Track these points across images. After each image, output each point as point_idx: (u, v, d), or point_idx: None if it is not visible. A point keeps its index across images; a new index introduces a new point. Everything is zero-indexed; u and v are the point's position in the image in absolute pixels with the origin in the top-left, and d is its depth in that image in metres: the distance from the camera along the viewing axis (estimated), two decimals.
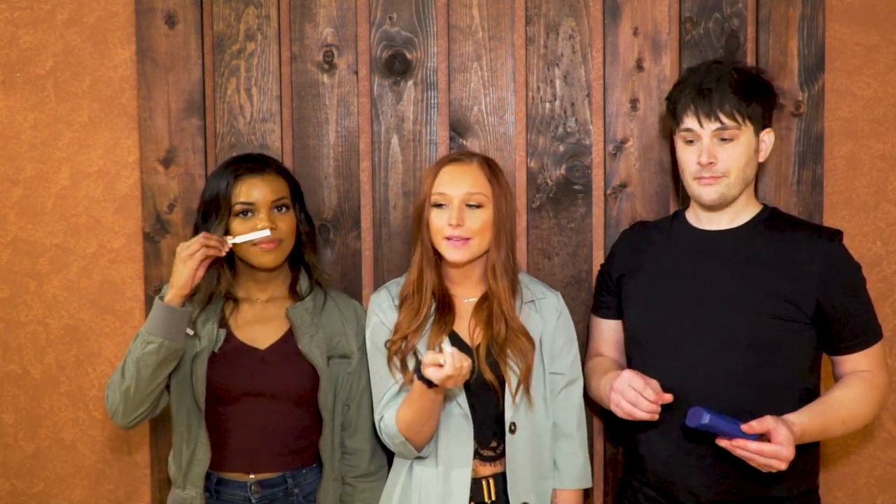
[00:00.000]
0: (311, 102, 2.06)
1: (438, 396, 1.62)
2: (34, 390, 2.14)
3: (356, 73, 2.06)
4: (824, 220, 2.00)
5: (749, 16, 2.01)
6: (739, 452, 1.52)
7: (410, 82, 2.06)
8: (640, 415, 1.58)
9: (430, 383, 1.57)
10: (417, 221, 1.75)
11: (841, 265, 1.66)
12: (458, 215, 1.67)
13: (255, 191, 1.74)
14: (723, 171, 1.65)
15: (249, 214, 1.74)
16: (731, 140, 1.64)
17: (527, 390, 1.72)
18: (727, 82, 1.64)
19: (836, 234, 1.68)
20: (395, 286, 1.81)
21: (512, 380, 1.70)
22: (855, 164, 2.03)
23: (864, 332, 1.68)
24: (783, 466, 1.51)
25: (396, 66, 2.05)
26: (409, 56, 2.05)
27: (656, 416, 1.59)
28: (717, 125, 1.63)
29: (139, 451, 2.13)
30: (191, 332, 1.74)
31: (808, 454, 1.68)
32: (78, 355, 2.13)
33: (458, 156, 1.76)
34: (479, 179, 1.71)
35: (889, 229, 2.04)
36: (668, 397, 1.59)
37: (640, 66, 2.03)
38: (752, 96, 1.65)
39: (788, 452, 1.50)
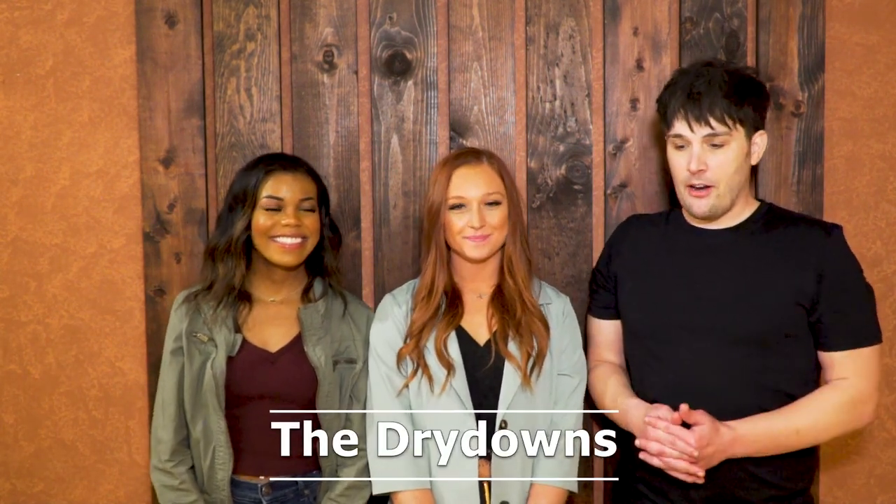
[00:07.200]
0: (311, 102, 2.06)
1: None
2: (34, 390, 2.13)
3: (356, 73, 2.06)
4: (824, 219, 2.00)
5: (749, 16, 2.01)
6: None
7: (410, 82, 2.05)
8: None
9: None
10: (431, 224, 1.75)
11: (835, 257, 1.62)
12: (480, 217, 1.70)
13: (284, 187, 1.75)
14: (712, 180, 1.61)
15: (276, 210, 1.75)
16: (721, 146, 1.60)
17: (532, 375, 1.72)
18: (718, 85, 1.59)
19: (833, 228, 1.65)
20: (401, 293, 1.82)
21: (527, 359, 1.71)
22: (855, 164, 2.03)
23: (854, 332, 1.61)
24: (694, 463, 1.55)
25: (396, 66, 2.05)
26: (409, 56, 2.05)
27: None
28: (708, 130, 1.59)
29: (139, 451, 2.13)
30: (205, 337, 1.75)
31: (803, 454, 1.66)
32: (78, 355, 2.12)
33: (467, 157, 1.76)
34: (493, 178, 1.73)
35: (889, 229, 2.04)
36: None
37: (640, 66, 2.03)
38: (745, 99, 1.60)
39: (695, 444, 1.53)
